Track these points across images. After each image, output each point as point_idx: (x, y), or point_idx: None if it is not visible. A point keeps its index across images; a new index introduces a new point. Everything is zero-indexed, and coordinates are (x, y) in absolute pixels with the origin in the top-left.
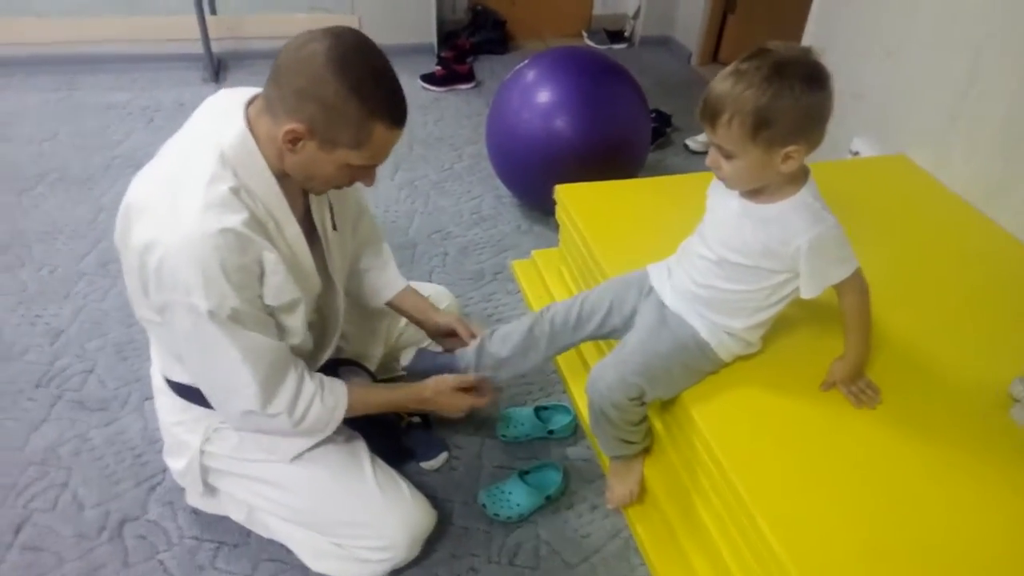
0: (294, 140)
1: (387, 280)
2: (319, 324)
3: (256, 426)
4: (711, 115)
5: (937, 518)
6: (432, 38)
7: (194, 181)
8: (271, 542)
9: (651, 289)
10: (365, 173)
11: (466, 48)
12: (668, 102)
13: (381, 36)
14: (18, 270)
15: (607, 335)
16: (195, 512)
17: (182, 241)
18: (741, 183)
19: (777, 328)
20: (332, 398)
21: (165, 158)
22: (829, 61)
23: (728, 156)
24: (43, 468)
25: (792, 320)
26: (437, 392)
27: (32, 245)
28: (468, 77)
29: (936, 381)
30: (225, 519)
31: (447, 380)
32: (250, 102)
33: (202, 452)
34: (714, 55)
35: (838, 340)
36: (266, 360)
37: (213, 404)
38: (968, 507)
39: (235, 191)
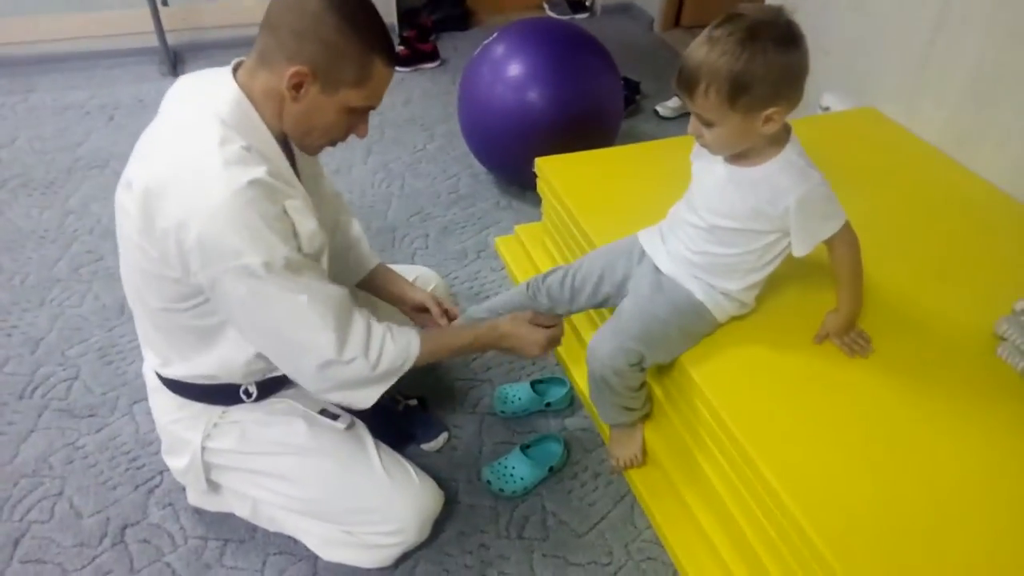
0: (298, 85)
1: (360, 258)
2: None
3: (334, 380)
4: (688, 85)
5: (934, 457)
6: (392, 17)
7: (205, 147)
8: (278, 535)
9: (643, 255)
10: (361, 120)
11: (428, 26)
12: (635, 69)
13: None
14: None
15: (601, 303)
16: (197, 511)
17: (216, 205)
18: (724, 149)
19: (767, 286)
20: (404, 337)
21: (160, 137)
22: (795, 18)
23: (708, 124)
24: (36, 479)
25: (781, 277)
26: (515, 325)
27: (0, 255)
28: (433, 56)
29: (924, 327)
30: (229, 516)
31: (524, 313)
32: (235, 68)
33: (203, 448)
34: (676, 20)
35: (827, 294)
36: (333, 302)
37: (285, 370)
38: (963, 445)
39: (247, 149)
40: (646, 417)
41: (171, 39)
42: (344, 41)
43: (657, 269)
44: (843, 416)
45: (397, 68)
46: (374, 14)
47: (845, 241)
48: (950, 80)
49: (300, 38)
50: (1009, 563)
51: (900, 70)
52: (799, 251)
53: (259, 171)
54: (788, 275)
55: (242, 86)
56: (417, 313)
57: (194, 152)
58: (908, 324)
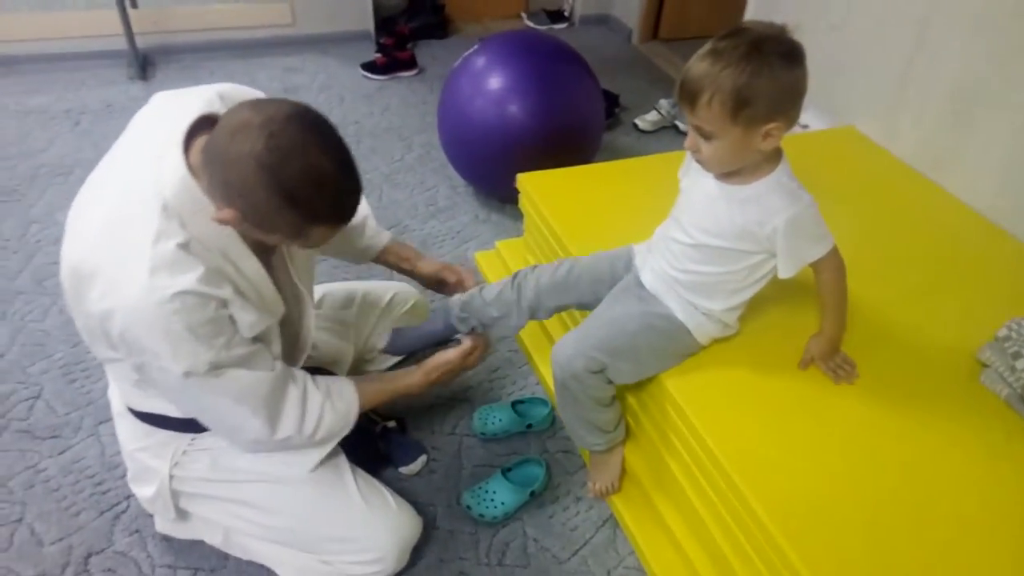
0: (228, 222)
1: (369, 237)
2: (287, 340)
3: (270, 451)
4: (690, 96)
5: (920, 485)
6: (369, 25)
7: (139, 241)
8: (251, 564)
9: (631, 264)
10: None
11: (405, 34)
12: (613, 82)
13: (316, 25)
14: None
15: (593, 303)
16: (166, 539)
17: (137, 311)
18: (721, 164)
19: (752, 308)
20: (343, 403)
21: (101, 197)
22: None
23: (708, 137)
24: None
25: (765, 299)
26: (442, 367)
27: None
28: (410, 64)
29: (907, 352)
30: (199, 544)
31: (448, 355)
32: (189, 134)
33: (171, 477)
34: (654, 32)
35: (811, 317)
36: (260, 394)
37: (219, 438)
38: (949, 472)
39: (184, 246)
40: (621, 443)
41: (140, 42)
42: (276, 212)
43: (640, 283)
44: (828, 442)
45: (374, 76)
46: (325, 179)
47: (832, 266)
48: (928, 101)
49: (230, 189)
50: None
51: (879, 89)
52: (784, 273)
53: (189, 279)
54: (773, 297)
55: (193, 167)
56: (436, 285)
57: (125, 249)
58: (892, 349)
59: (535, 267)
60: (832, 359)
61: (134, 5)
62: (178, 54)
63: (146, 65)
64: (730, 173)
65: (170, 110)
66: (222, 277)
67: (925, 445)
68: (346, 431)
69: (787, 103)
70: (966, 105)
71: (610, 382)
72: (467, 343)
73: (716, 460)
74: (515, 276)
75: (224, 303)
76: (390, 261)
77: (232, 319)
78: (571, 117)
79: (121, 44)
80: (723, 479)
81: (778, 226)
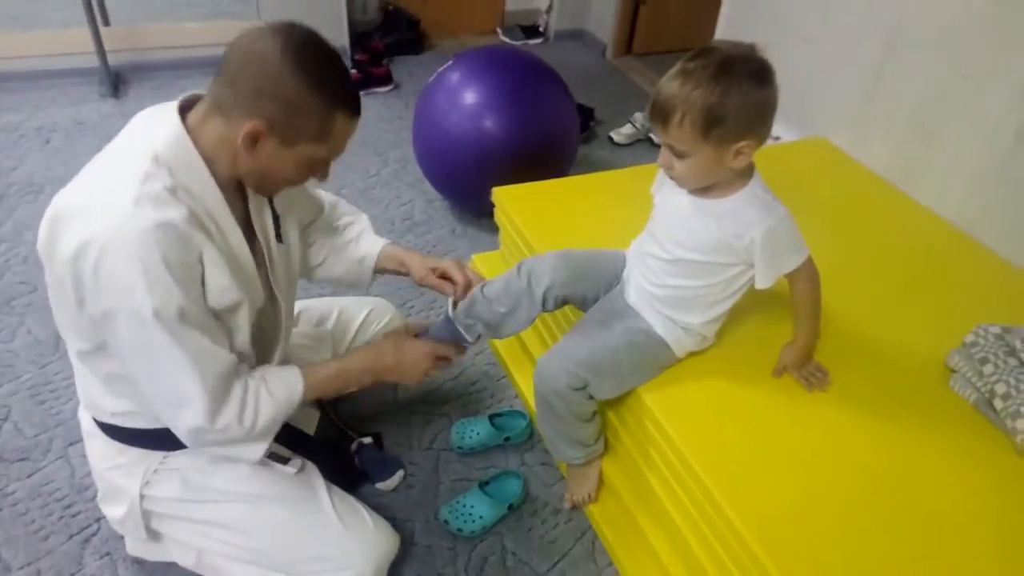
0: (254, 140)
1: (367, 243)
2: (259, 340)
3: (209, 442)
4: (662, 116)
5: (891, 488)
6: (344, 40)
7: (125, 181)
8: None
9: (621, 277)
10: (322, 167)
11: (380, 50)
12: (588, 95)
13: None
14: None
15: (592, 301)
16: (137, 561)
17: (117, 237)
18: (694, 181)
19: (725, 319)
20: (284, 388)
21: (92, 167)
22: (765, 55)
23: (680, 155)
24: None
25: (738, 310)
26: (396, 352)
27: None
28: (386, 80)
29: (878, 359)
30: (171, 566)
31: (418, 344)
32: (185, 106)
33: (142, 497)
34: (628, 47)
35: (784, 327)
36: (214, 368)
37: (163, 421)
38: (920, 476)
39: (171, 190)
40: (599, 456)
41: (112, 60)
42: (305, 100)
43: (624, 298)
44: (802, 449)
45: None
46: (339, 68)
47: (807, 275)
48: (898, 113)
49: (259, 95)
50: None
51: (849, 101)
52: (762, 283)
53: (173, 214)
54: (746, 307)
55: (190, 126)
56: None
57: (112, 185)
58: (862, 356)
59: (539, 256)
60: (805, 367)
61: (106, 22)
62: (151, 71)
63: (118, 83)
64: (704, 188)
65: (156, 114)
66: (203, 230)
67: (897, 451)
68: (288, 413)
69: (757, 121)
70: (934, 116)
71: (591, 398)
72: (447, 350)
73: (693, 471)
74: (519, 266)
75: (200, 258)
76: (389, 268)
77: (203, 280)
78: (546, 131)
79: (93, 62)
80: (700, 489)
81: (755, 238)
